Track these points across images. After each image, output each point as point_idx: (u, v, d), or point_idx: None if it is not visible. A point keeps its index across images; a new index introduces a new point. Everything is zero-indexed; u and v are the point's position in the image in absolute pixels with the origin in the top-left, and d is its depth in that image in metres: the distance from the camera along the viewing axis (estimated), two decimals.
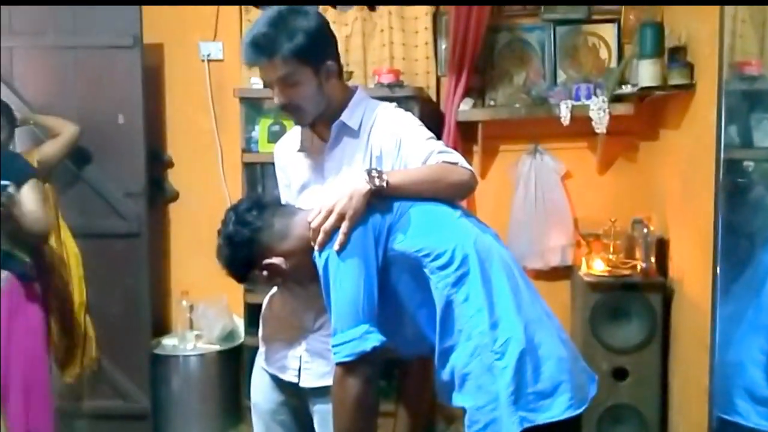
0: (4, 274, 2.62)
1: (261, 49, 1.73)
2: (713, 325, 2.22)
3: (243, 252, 1.71)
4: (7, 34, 3.48)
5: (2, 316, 2.61)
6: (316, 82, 1.78)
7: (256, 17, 3.59)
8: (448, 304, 1.58)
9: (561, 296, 3.56)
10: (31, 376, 2.73)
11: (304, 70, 1.75)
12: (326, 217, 1.60)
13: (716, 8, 2.38)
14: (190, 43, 3.83)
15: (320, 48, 1.78)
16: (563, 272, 3.60)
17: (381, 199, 1.63)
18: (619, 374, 3.18)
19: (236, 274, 1.78)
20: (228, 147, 3.79)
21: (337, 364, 1.58)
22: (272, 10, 1.76)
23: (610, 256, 3.32)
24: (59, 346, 3.18)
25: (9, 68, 3.51)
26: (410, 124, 1.87)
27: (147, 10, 3.55)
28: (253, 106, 3.54)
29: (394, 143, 1.83)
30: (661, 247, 3.26)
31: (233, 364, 3.67)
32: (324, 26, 1.81)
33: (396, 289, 1.64)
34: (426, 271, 1.60)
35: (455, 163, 1.76)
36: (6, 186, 2.50)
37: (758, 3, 2.28)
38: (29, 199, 2.66)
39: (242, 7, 3.77)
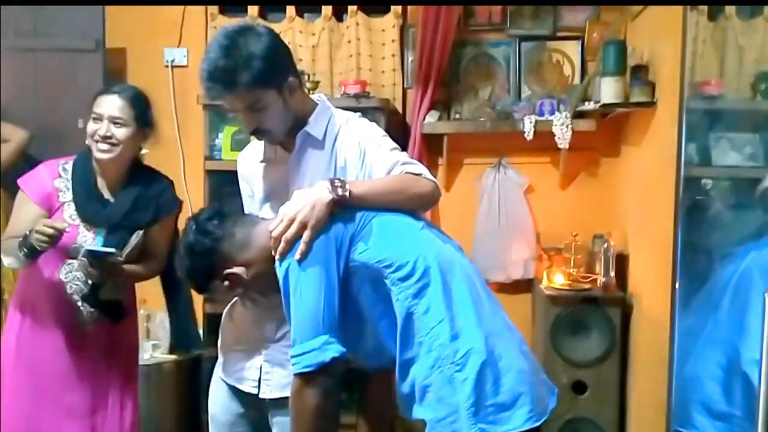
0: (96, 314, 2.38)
1: (221, 83, 1.70)
2: (672, 340, 2.24)
3: (203, 262, 1.68)
4: None
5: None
6: (281, 101, 1.77)
7: (221, 24, 3.59)
8: (409, 316, 1.58)
9: (522, 309, 3.58)
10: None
11: (268, 94, 1.74)
12: (288, 226, 1.58)
13: (678, 28, 2.42)
14: (154, 48, 3.78)
15: (279, 67, 1.76)
16: (525, 285, 3.62)
17: (344, 208, 1.62)
18: (579, 388, 3.20)
19: (197, 284, 1.75)
20: (190, 154, 3.74)
21: (296, 374, 1.56)
22: (223, 37, 1.72)
23: (571, 270, 3.35)
24: None
25: None
26: (374, 134, 1.87)
27: (110, 14, 3.50)
28: (217, 114, 3.51)
29: (358, 153, 1.83)
30: (621, 262, 3.29)
31: (191, 375, 3.61)
32: (278, 43, 1.78)
33: (357, 299, 1.63)
34: (387, 282, 1.59)
35: (419, 174, 1.76)
36: (111, 253, 2.22)
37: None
38: (159, 240, 2.41)
39: (208, 13, 3.74)
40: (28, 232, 2.17)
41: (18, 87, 3.46)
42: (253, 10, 3.69)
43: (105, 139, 2.27)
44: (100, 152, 2.29)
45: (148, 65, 3.79)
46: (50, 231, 2.12)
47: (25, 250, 2.19)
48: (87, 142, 2.31)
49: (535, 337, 3.41)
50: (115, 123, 2.28)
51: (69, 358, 2.37)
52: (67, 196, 2.33)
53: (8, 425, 2.35)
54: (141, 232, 2.34)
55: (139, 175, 2.40)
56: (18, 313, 2.41)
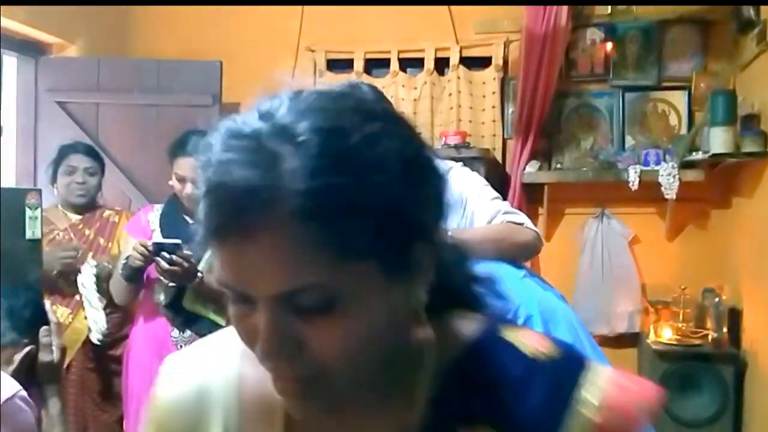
0: (187, 334, 2.49)
1: None
2: None
3: None
4: (95, 91, 3.69)
5: None
6: None
7: (328, 79, 3.75)
8: None
9: (627, 364, 3.46)
10: None
11: None
12: None
13: None
14: None
15: None
16: (630, 339, 3.51)
17: None
18: None
19: None
20: None
21: None
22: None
23: (680, 325, 3.23)
24: None
25: (95, 123, 3.70)
26: (476, 183, 1.90)
27: (227, 70, 3.72)
28: None
29: (460, 202, 1.85)
30: (734, 318, 3.15)
31: None
32: (382, 101, 1.85)
33: None
34: None
35: (521, 224, 1.77)
36: (178, 245, 2.32)
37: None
38: None
39: (316, 70, 3.91)
40: (126, 258, 2.41)
41: (141, 139, 3.70)
42: (358, 65, 3.84)
43: (191, 196, 2.47)
44: (189, 204, 2.51)
45: None
46: (141, 248, 2.33)
47: (124, 271, 2.43)
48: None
49: None
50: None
51: None
52: (156, 223, 2.57)
53: None
54: (181, 242, 2.45)
55: None
56: (131, 341, 2.63)
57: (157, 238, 2.48)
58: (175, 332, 2.49)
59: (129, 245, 2.54)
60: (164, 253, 2.31)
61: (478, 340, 0.71)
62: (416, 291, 0.64)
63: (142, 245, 2.35)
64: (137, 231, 2.59)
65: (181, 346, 2.49)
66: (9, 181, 3.43)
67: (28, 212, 2.26)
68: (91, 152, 3.07)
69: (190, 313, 2.48)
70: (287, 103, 0.62)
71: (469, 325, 0.72)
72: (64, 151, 2.97)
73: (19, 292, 2.10)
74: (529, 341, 0.70)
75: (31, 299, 2.18)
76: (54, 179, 2.95)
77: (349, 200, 0.57)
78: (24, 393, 1.84)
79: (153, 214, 2.62)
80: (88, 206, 2.98)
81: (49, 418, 1.61)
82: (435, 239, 0.65)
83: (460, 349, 0.70)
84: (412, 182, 0.61)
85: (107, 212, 3.00)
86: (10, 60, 3.64)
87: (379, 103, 0.67)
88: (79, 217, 2.96)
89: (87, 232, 2.93)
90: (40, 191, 2.39)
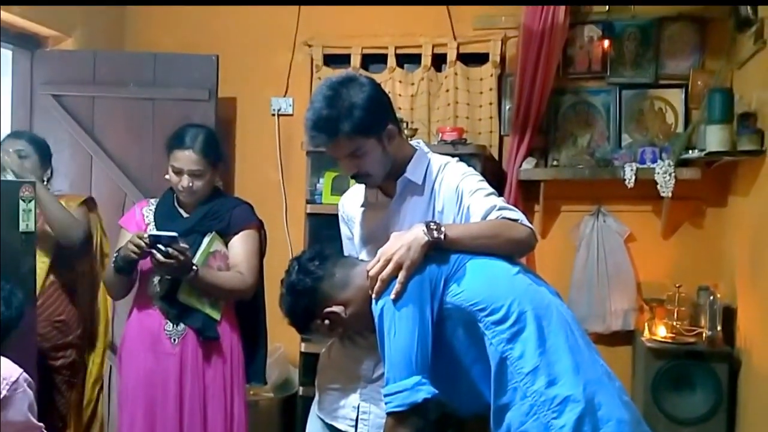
0: (181, 327, 2.49)
1: (323, 132, 1.78)
2: None
3: (304, 300, 1.74)
4: (91, 84, 3.68)
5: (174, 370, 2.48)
6: (380, 149, 1.83)
7: (326, 74, 3.74)
8: (503, 361, 1.57)
9: (622, 362, 3.46)
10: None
11: (368, 142, 1.80)
12: (384, 266, 1.62)
13: None
14: (262, 98, 3.97)
15: (379, 117, 1.82)
16: (625, 337, 3.51)
17: (439, 251, 1.65)
18: None
19: (298, 323, 1.80)
20: (293, 198, 3.87)
21: (388, 414, 1.59)
22: (326, 87, 1.80)
23: (674, 323, 3.24)
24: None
25: (90, 116, 3.69)
26: (472, 178, 1.89)
27: (223, 66, 3.70)
28: (319, 159, 3.62)
29: (456, 197, 1.85)
30: (729, 316, 3.15)
31: (288, 413, 3.67)
32: (378, 93, 1.84)
33: (451, 343, 1.63)
34: (481, 325, 1.59)
35: (515, 220, 1.76)
36: (174, 237, 2.33)
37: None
38: (239, 252, 2.53)
39: (313, 65, 3.90)
40: (118, 249, 2.43)
41: (136, 133, 3.69)
42: (355, 61, 3.83)
43: (187, 189, 2.49)
44: (184, 197, 2.54)
45: (256, 114, 3.98)
46: (137, 240, 2.33)
47: (116, 263, 2.43)
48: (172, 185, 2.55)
49: (635, 392, 3.29)
50: (193, 175, 2.49)
51: (160, 376, 2.49)
52: (151, 217, 2.58)
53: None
54: (213, 233, 2.49)
55: (216, 197, 2.60)
56: (124, 333, 2.61)
57: (152, 231, 2.48)
58: (169, 325, 2.49)
59: (123, 238, 2.53)
60: (160, 246, 2.32)
61: None
62: None
63: (139, 237, 2.35)
64: (132, 224, 2.59)
65: (174, 340, 2.49)
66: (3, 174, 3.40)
67: (22, 205, 2.26)
68: (22, 136, 2.88)
69: (185, 306, 2.48)
70: None
71: None
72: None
73: (12, 284, 2.11)
74: None
75: (25, 291, 2.19)
76: None
77: None
78: (26, 375, 1.90)
79: (147, 208, 2.63)
80: None
81: None
82: None
83: None
84: None
85: None
86: (6, 53, 3.62)
87: None
88: None
89: None
90: (34, 184, 2.38)
